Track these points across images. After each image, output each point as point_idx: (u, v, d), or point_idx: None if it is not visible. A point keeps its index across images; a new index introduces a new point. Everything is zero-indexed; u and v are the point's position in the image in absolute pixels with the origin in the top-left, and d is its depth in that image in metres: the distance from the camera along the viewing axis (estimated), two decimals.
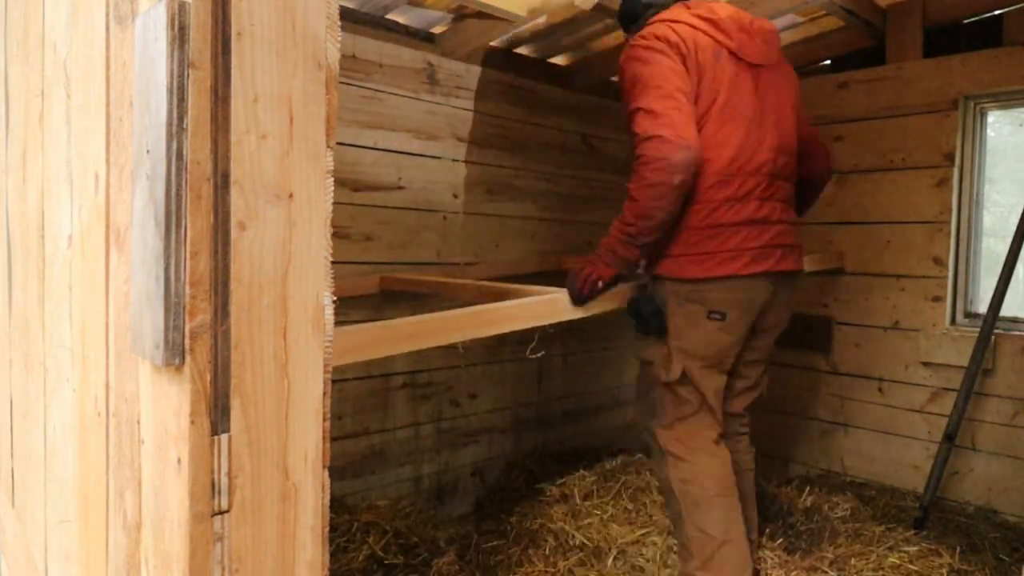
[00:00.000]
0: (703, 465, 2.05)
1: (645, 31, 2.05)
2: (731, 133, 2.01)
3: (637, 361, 2.27)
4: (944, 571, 2.26)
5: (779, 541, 2.41)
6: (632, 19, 2.22)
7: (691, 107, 1.96)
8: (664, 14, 2.10)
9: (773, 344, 2.24)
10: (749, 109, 2.03)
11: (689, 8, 2.10)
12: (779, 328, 2.21)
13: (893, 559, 2.26)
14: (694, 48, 1.99)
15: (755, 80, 2.07)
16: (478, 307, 1.80)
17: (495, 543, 2.50)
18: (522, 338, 3.26)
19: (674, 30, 2.00)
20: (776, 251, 2.04)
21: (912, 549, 2.33)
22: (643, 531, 2.52)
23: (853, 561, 2.20)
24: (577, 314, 2.00)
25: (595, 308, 2.04)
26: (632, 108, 1.98)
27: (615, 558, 2.40)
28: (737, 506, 2.06)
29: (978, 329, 2.74)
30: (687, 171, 1.89)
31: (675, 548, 2.35)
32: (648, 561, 2.39)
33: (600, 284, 2.02)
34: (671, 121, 1.90)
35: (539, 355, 2.39)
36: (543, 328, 2.03)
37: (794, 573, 2.18)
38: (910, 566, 2.24)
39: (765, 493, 2.70)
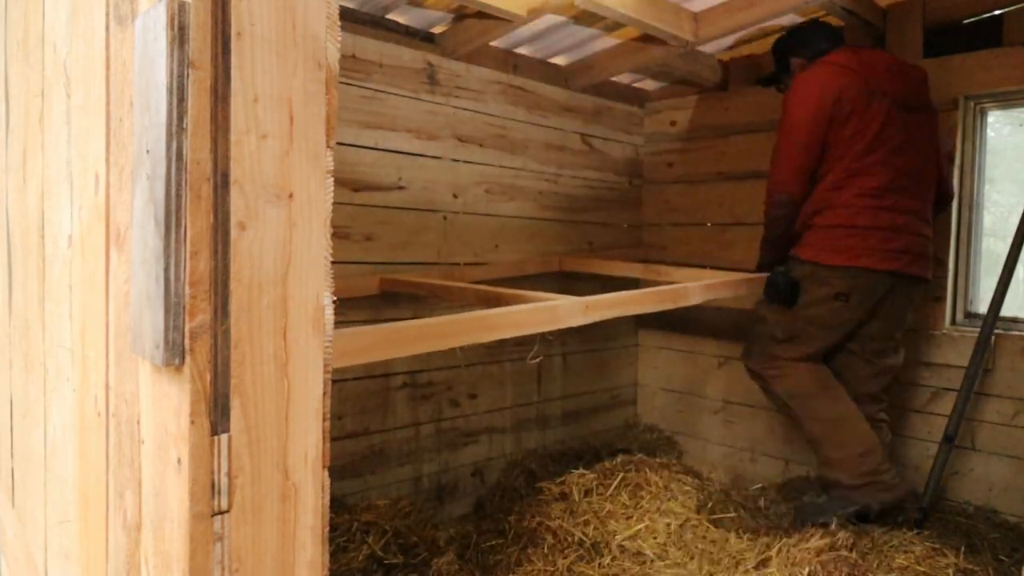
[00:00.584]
0: (799, 375, 2.58)
1: (812, 74, 2.54)
2: (881, 160, 2.48)
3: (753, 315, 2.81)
4: (950, 571, 2.26)
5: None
6: (793, 53, 2.74)
7: (809, 159, 2.53)
8: (831, 56, 2.56)
9: (899, 334, 2.69)
10: (897, 142, 2.50)
11: (852, 52, 2.55)
12: (898, 321, 2.64)
13: (901, 560, 2.27)
14: (848, 94, 2.46)
15: (904, 121, 2.52)
16: (480, 312, 1.80)
17: (495, 542, 2.50)
18: (523, 338, 3.26)
19: (836, 78, 2.48)
20: (906, 256, 2.51)
21: (918, 549, 2.33)
22: (642, 525, 2.52)
23: (861, 562, 2.20)
24: (576, 321, 2.00)
25: (595, 315, 2.04)
26: (775, 144, 2.62)
27: (614, 555, 2.40)
28: (844, 395, 2.56)
29: (978, 329, 2.74)
30: (786, 207, 2.58)
31: (675, 543, 2.36)
32: (647, 555, 2.39)
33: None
34: (785, 168, 2.55)
35: (538, 360, 2.43)
36: (543, 334, 2.04)
37: (807, 569, 2.18)
38: (918, 567, 2.24)
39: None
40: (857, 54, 2.54)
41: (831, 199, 2.52)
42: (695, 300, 2.46)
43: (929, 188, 2.60)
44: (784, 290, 2.57)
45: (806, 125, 2.49)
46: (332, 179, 0.84)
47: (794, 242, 2.65)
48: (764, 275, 2.68)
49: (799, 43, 2.73)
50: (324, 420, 0.85)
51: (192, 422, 0.74)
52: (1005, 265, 2.58)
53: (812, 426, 2.58)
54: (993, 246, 2.96)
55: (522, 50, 3.24)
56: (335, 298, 0.86)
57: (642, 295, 2.29)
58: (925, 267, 2.57)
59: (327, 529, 0.87)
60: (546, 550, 2.43)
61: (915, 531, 2.55)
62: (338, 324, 0.91)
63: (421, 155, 2.87)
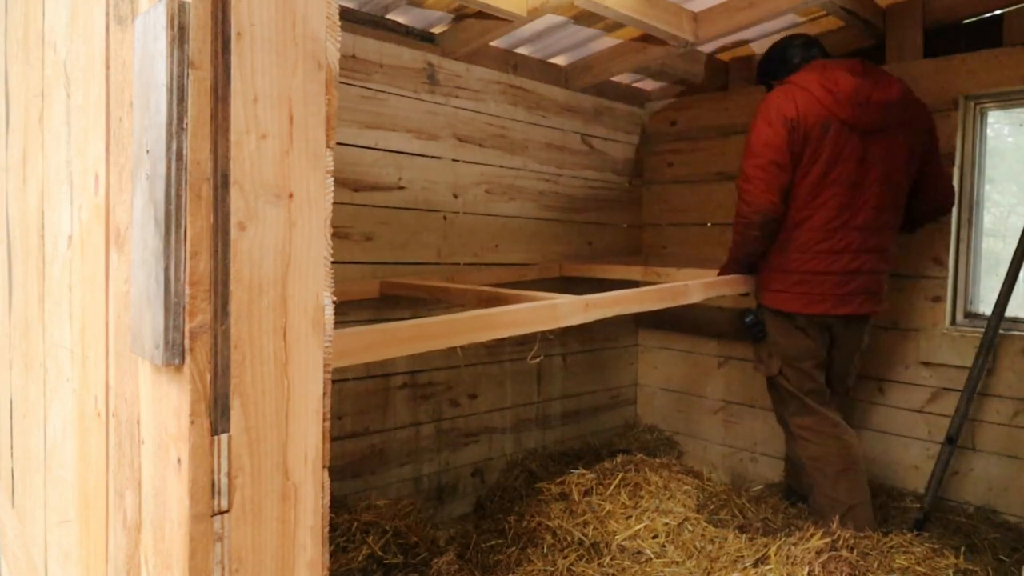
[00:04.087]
0: (828, 446, 2.56)
1: (775, 95, 2.50)
2: (832, 196, 2.46)
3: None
4: (950, 571, 2.26)
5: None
6: (772, 75, 2.71)
7: (781, 176, 2.47)
8: (796, 77, 2.52)
9: (855, 360, 2.76)
10: (852, 175, 2.46)
11: (819, 72, 2.48)
12: (854, 349, 2.71)
13: (901, 560, 2.27)
14: (804, 122, 2.42)
15: (864, 147, 2.45)
16: (479, 311, 1.80)
17: (494, 542, 2.50)
18: (523, 338, 3.27)
19: (795, 102, 2.44)
20: (859, 297, 2.54)
21: (918, 550, 2.33)
22: (641, 525, 2.52)
23: (862, 562, 2.20)
24: (576, 320, 2.00)
25: (596, 314, 2.04)
26: (741, 164, 2.56)
27: (613, 555, 2.40)
28: (862, 477, 2.56)
29: (978, 329, 2.74)
30: (761, 228, 2.51)
31: (675, 542, 2.35)
32: (647, 554, 2.39)
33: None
34: (755, 188, 2.47)
35: (539, 359, 2.44)
36: (543, 333, 2.05)
37: (806, 569, 2.18)
38: (918, 567, 2.24)
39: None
40: (823, 73, 2.47)
41: (789, 237, 2.55)
42: (695, 298, 2.46)
43: (895, 214, 2.57)
44: (753, 329, 2.69)
45: (773, 144, 2.45)
46: (332, 179, 0.84)
47: (757, 267, 2.71)
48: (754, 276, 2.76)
49: (776, 64, 2.70)
50: (324, 420, 0.85)
51: (192, 422, 0.74)
52: (1011, 266, 2.58)
53: (822, 501, 2.58)
54: (993, 246, 2.96)
55: (522, 50, 3.24)
56: (335, 299, 0.86)
57: (642, 293, 2.29)
58: (877, 303, 2.62)
59: (327, 529, 0.87)
60: (546, 550, 2.43)
61: (915, 531, 2.55)
62: (339, 325, 0.91)
63: (421, 155, 2.87)
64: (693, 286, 2.45)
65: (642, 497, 2.70)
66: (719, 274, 2.72)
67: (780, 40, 2.77)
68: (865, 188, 2.47)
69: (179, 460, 0.75)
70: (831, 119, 2.41)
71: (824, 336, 2.63)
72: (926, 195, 2.65)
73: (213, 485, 0.75)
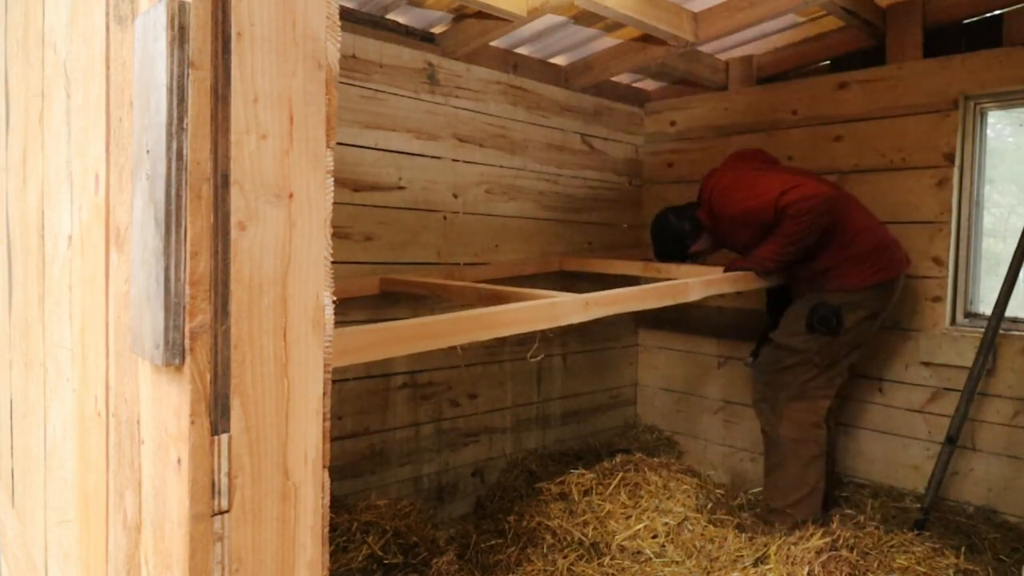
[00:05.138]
0: (812, 433, 2.67)
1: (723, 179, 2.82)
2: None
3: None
4: (950, 571, 2.26)
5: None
6: (691, 236, 2.96)
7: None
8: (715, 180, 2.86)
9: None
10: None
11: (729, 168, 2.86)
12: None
13: (901, 560, 2.27)
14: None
15: None
16: (480, 310, 1.80)
17: (494, 542, 2.50)
18: (523, 338, 3.27)
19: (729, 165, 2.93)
20: (900, 253, 2.72)
21: (918, 550, 2.33)
22: (641, 525, 2.52)
23: (862, 562, 2.20)
24: (576, 318, 2.00)
25: (596, 312, 2.04)
26: (766, 201, 2.62)
27: (613, 554, 2.40)
28: (824, 466, 2.72)
29: (978, 329, 2.74)
30: (830, 212, 2.60)
31: (674, 542, 2.34)
32: (646, 554, 2.39)
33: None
34: (807, 185, 2.59)
35: (539, 358, 2.43)
36: (543, 332, 2.05)
37: (806, 569, 2.18)
38: (918, 567, 2.24)
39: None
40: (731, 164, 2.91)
41: (841, 220, 2.66)
42: (695, 296, 2.45)
43: None
44: (832, 319, 2.63)
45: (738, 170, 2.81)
46: (332, 179, 0.84)
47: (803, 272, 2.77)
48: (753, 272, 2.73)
49: (688, 228, 2.92)
50: (324, 420, 0.85)
51: (192, 422, 0.73)
52: (1011, 266, 2.58)
53: (791, 479, 2.69)
54: (993, 246, 2.96)
55: (522, 50, 3.24)
56: (335, 298, 0.86)
57: (642, 291, 2.29)
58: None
59: (327, 529, 0.87)
60: (545, 550, 2.43)
61: (915, 531, 2.55)
62: (338, 324, 0.91)
63: (421, 155, 2.87)
64: (693, 284, 2.43)
65: (642, 497, 2.70)
66: (728, 269, 2.73)
67: (667, 228, 2.98)
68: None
69: (179, 460, 0.75)
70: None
71: (882, 316, 2.72)
72: None
73: (213, 485, 0.75)
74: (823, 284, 2.71)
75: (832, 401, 2.74)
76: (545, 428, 3.47)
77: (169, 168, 0.72)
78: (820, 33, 3.15)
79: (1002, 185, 3.04)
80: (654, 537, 2.50)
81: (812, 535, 2.32)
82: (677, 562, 2.40)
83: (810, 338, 2.68)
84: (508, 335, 1.85)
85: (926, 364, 2.91)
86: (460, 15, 2.78)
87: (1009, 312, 2.63)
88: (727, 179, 2.79)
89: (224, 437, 0.76)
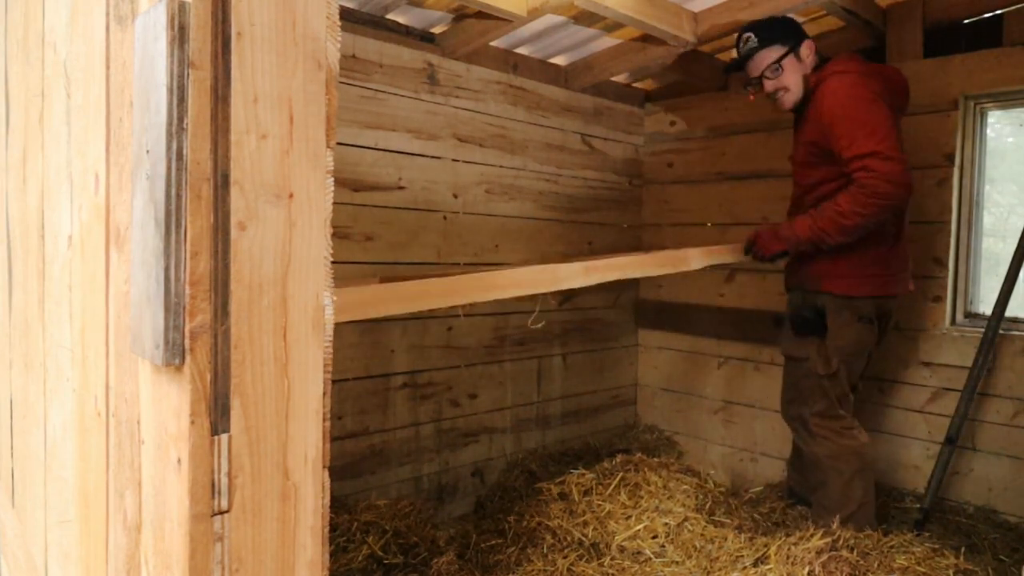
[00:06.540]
0: (847, 445, 2.51)
1: (850, 78, 2.37)
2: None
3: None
4: (950, 572, 2.25)
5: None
6: (793, 37, 2.53)
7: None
8: (839, 66, 2.44)
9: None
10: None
11: (859, 63, 2.45)
12: (883, 339, 2.68)
13: (901, 560, 2.27)
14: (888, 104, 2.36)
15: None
16: (480, 273, 1.78)
17: (494, 542, 2.50)
18: (523, 338, 3.27)
19: (873, 85, 2.36)
20: (907, 274, 2.57)
21: (918, 550, 2.33)
22: (641, 525, 2.52)
23: (862, 562, 2.20)
24: (576, 283, 1.96)
25: (595, 278, 2.02)
26: (857, 149, 2.29)
27: (613, 555, 2.40)
28: (872, 478, 2.55)
29: (978, 329, 2.74)
30: (897, 210, 2.38)
31: (674, 542, 2.34)
32: (646, 554, 2.39)
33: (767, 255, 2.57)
34: (900, 167, 2.26)
35: (540, 325, 2.41)
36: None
37: (807, 569, 2.18)
38: (918, 567, 2.24)
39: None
40: (862, 64, 2.45)
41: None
42: (695, 265, 2.41)
43: None
44: (813, 320, 2.53)
45: (891, 120, 2.30)
46: (332, 179, 0.84)
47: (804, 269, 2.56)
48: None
49: (791, 32, 2.53)
50: (324, 420, 0.85)
51: (192, 422, 0.74)
52: (1011, 266, 2.58)
53: (835, 497, 2.51)
54: (993, 246, 2.96)
55: (522, 50, 3.24)
56: (335, 298, 0.86)
57: (642, 259, 2.27)
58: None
59: (327, 529, 0.87)
60: (545, 550, 2.43)
61: (915, 531, 2.55)
62: (339, 324, 0.91)
63: (421, 155, 2.87)
64: (693, 253, 2.39)
65: (642, 497, 2.70)
66: (757, 244, 2.55)
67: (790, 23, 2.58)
68: None
69: (179, 460, 0.75)
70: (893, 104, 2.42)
71: (876, 325, 2.53)
72: None
73: (213, 485, 0.75)
74: (810, 283, 2.54)
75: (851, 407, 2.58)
76: (545, 428, 3.47)
77: (169, 168, 0.72)
78: (820, 33, 3.14)
79: (1002, 185, 3.04)
80: (654, 537, 2.50)
81: (812, 535, 2.32)
82: (677, 562, 2.40)
83: (802, 344, 2.55)
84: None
85: (926, 364, 2.91)
86: (460, 15, 2.78)
87: (1009, 312, 2.63)
88: (849, 83, 2.36)
89: (224, 437, 0.76)
